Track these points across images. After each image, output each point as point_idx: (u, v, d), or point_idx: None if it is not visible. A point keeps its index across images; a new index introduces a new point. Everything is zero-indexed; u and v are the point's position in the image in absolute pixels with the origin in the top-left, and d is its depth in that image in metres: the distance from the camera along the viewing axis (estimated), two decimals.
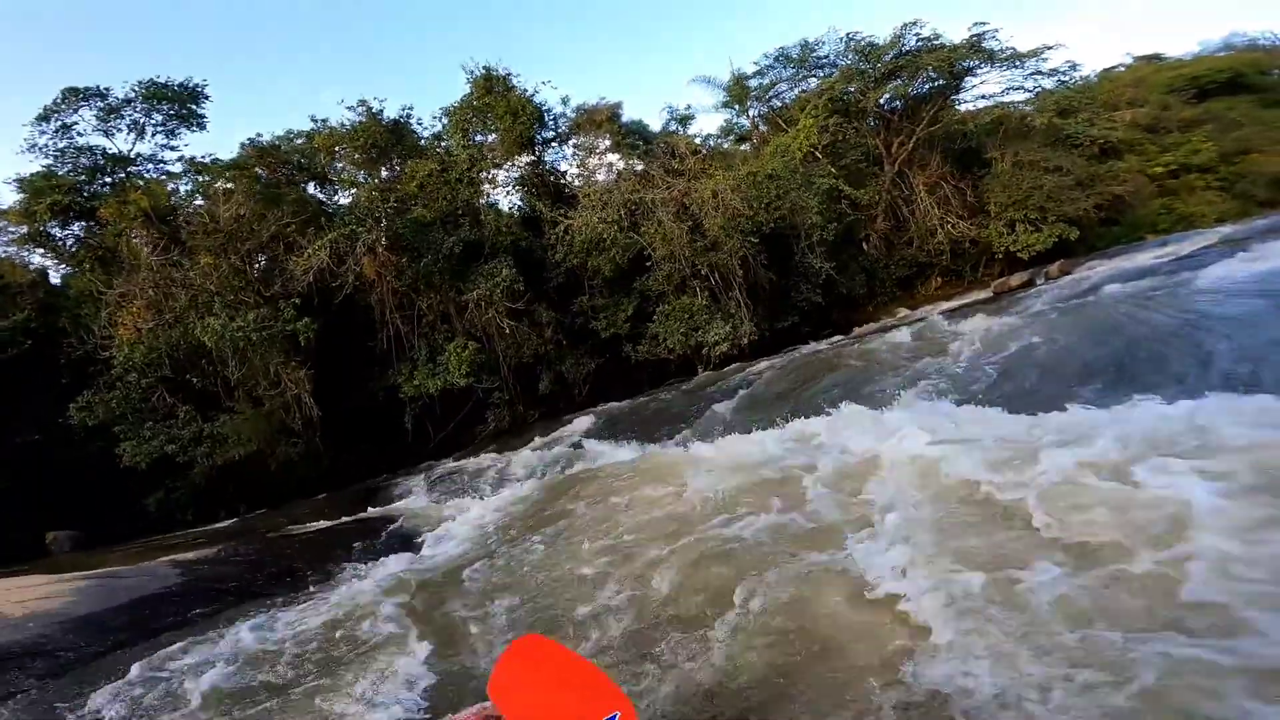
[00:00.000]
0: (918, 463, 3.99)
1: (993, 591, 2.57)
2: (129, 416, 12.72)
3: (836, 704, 2.41)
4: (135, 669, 3.98)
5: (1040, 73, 21.44)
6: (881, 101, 20.93)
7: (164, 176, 16.34)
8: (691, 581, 3.58)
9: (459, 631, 3.76)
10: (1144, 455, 3.29)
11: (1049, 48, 20.61)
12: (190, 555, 7.39)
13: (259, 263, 14.74)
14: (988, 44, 20.04)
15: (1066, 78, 22.42)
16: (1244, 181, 25.91)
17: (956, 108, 22.09)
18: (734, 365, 14.11)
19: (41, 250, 15.73)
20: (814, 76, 22.47)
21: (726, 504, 4.42)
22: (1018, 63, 20.73)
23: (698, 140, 19.00)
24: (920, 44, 19.92)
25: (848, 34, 21.16)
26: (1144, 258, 13.97)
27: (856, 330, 15.81)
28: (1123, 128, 25.97)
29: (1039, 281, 15.87)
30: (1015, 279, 16.40)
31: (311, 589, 5.40)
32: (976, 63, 20.37)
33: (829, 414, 6.03)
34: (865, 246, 19.79)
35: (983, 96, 22.36)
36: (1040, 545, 2.93)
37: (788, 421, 6.34)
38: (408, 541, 6.62)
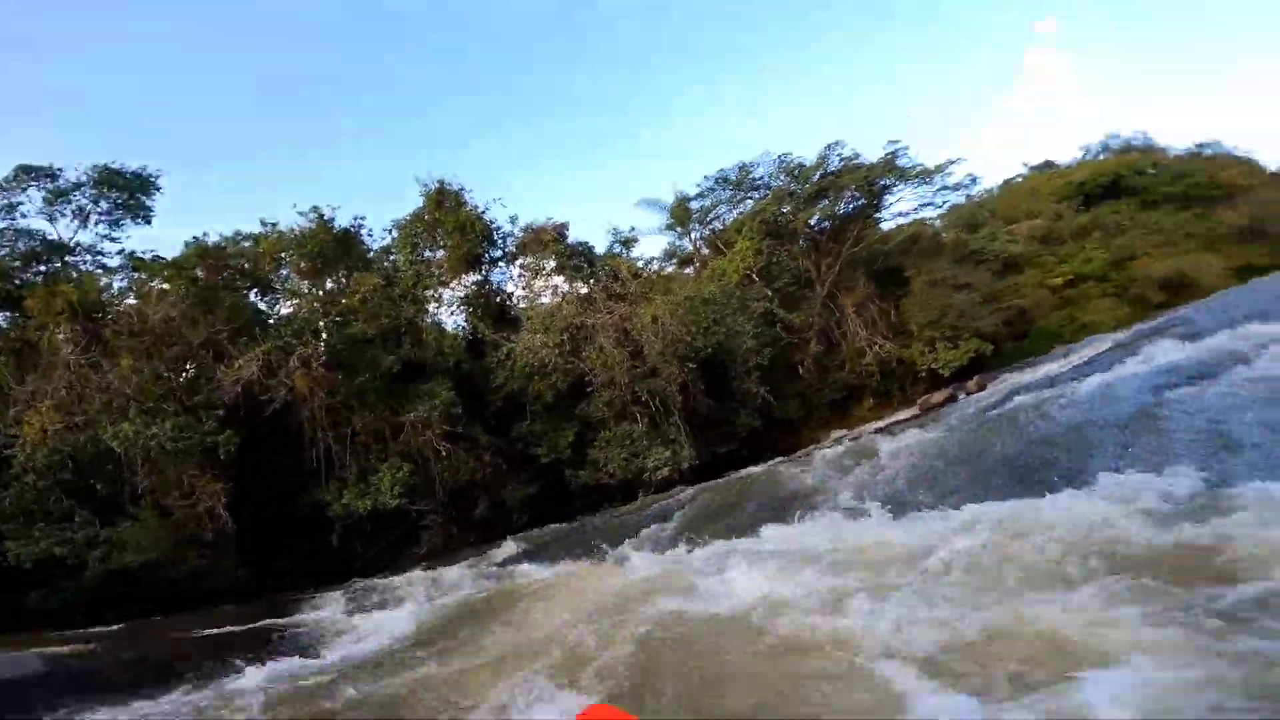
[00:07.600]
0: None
1: None
2: (20, 517, 11.80)
3: None
4: None
5: (947, 188, 22.79)
6: (811, 222, 22.14)
7: (99, 270, 15.94)
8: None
9: None
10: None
11: (952, 162, 22.02)
12: (64, 649, 7.25)
13: (187, 370, 14.08)
14: (900, 161, 21.29)
15: (970, 191, 24.06)
16: (1135, 286, 27.40)
17: (879, 227, 23.22)
18: (676, 489, 14.11)
19: None
20: (750, 198, 23.13)
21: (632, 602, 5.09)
22: (926, 179, 21.99)
23: (641, 263, 19.42)
24: (842, 163, 21.08)
25: (779, 155, 21.96)
26: (1049, 368, 15.02)
27: (797, 453, 16.15)
28: (1022, 241, 28.03)
29: (960, 396, 16.74)
30: (938, 396, 17.31)
31: (182, 688, 5.39)
32: (892, 180, 21.64)
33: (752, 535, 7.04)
34: (800, 370, 20.35)
35: (900, 214, 23.68)
36: None
37: (710, 542, 7.25)
38: (302, 649, 6.50)
